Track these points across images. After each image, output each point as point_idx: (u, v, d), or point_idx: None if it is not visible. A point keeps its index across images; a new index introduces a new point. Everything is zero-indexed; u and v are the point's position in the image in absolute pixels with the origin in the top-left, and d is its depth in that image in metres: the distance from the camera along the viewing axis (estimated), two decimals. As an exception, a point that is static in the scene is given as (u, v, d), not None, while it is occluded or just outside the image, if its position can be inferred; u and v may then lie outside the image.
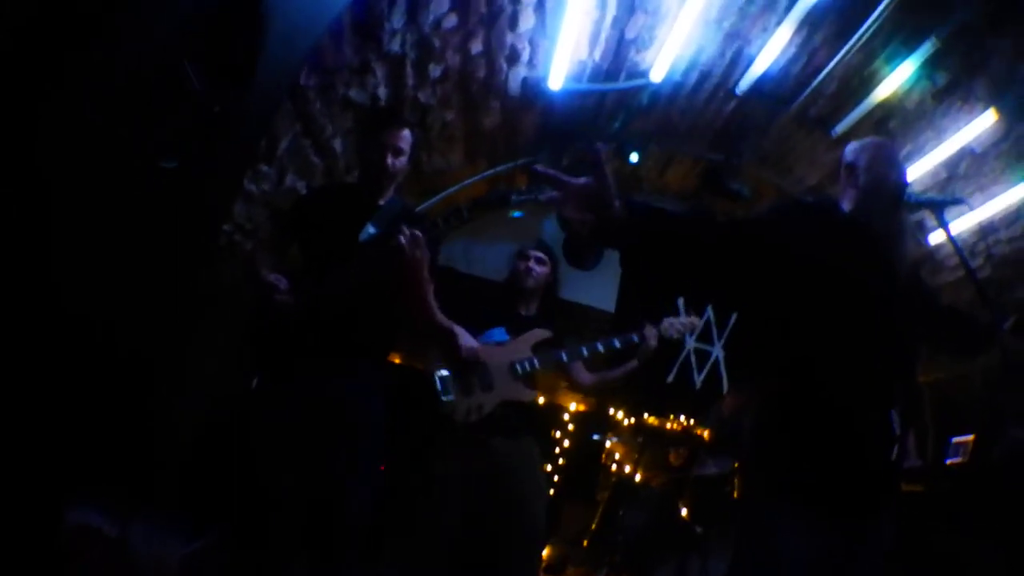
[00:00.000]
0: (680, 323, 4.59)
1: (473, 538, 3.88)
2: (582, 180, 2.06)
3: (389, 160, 3.38)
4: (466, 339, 3.81)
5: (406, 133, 3.42)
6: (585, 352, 4.20)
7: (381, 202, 3.46)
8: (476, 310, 4.15)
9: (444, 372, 3.91)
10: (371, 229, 3.38)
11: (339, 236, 3.36)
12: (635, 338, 4.36)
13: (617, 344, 4.30)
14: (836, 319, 2.46)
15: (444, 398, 3.85)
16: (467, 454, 3.91)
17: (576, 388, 4.55)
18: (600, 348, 4.24)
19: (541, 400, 4.29)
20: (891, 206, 2.70)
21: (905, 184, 2.74)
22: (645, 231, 2.17)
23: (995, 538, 4.96)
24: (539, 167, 2.09)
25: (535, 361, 4.09)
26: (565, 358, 4.18)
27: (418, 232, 3.08)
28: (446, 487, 3.88)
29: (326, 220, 3.42)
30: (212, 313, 4.44)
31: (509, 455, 3.99)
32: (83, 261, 2.68)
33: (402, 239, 3.04)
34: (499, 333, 4.17)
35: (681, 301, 7.04)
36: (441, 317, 3.66)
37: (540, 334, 4.20)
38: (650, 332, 4.42)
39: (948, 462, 6.67)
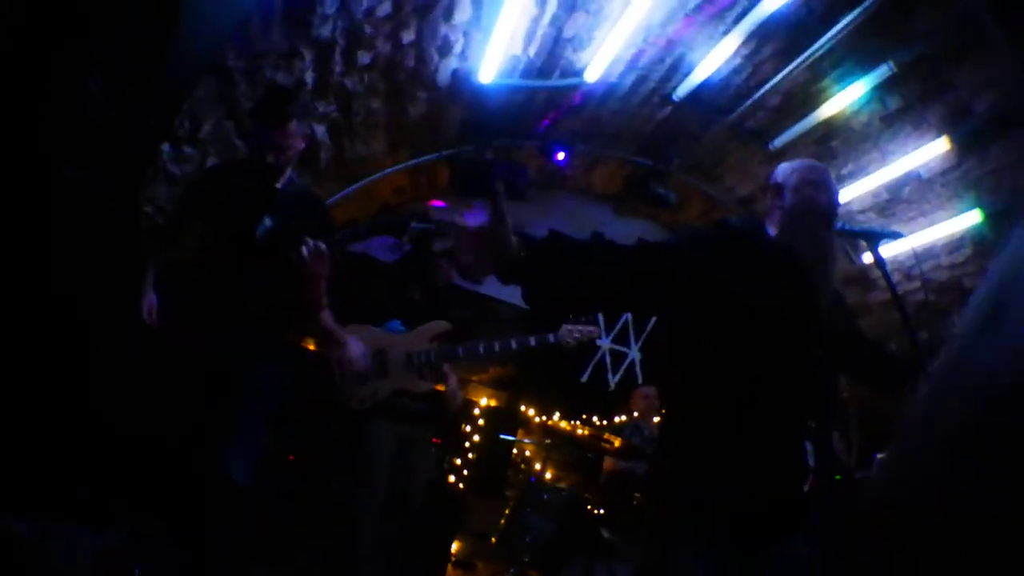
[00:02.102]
0: (579, 331, 4.58)
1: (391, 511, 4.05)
2: (478, 221, 1.96)
3: (271, 159, 3.29)
4: (354, 348, 3.89)
5: (292, 128, 3.30)
6: (482, 350, 4.22)
7: (278, 185, 3.38)
8: (371, 299, 4.24)
9: None
10: (268, 222, 3.31)
11: (236, 221, 3.32)
12: (531, 342, 4.38)
13: (513, 345, 4.30)
14: (751, 344, 2.36)
15: (339, 383, 3.97)
16: (384, 436, 4.05)
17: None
18: (496, 348, 4.25)
19: (438, 389, 4.30)
20: (818, 230, 2.57)
21: (835, 208, 2.63)
22: (547, 270, 2.13)
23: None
24: (439, 213, 2.02)
25: (431, 354, 4.16)
26: (461, 353, 4.20)
27: (322, 245, 3.08)
28: (373, 465, 4.01)
29: (223, 204, 3.35)
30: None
31: (410, 440, 4.14)
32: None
33: (305, 251, 3.05)
34: (396, 325, 4.21)
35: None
36: (332, 326, 3.74)
37: (440, 326, 4.24)
38: (548, 337, 4.47)
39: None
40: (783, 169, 2.70)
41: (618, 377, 8.16)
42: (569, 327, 4.51)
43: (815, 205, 2.58)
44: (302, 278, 3.13)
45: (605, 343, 8.15)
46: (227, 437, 3.16)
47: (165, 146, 4.18)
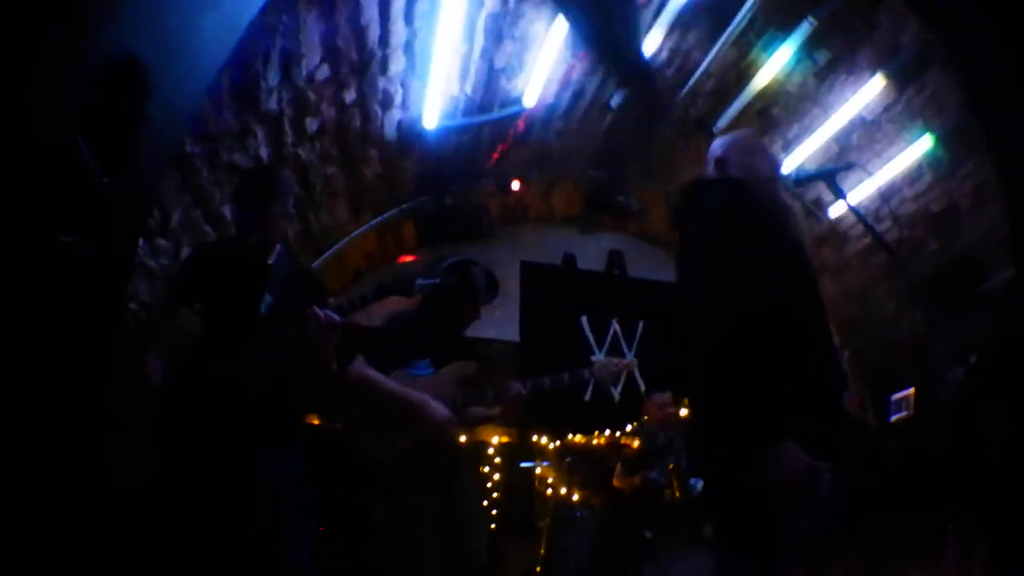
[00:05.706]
0: (615, 364, 4.39)
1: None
2: None
3: (256, 240, 3.34)
4: (440, 410, 3.68)
5: (275, 209, 3.36)
6: (523, 389, 3.87)
7: (270, 261, 3.35)
8: (399, 344, 3.92)
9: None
10: (269, 298, 3.23)
11: (234, 301, 3.26)
12: (564, 378, 4.04)
13: (546, 384, 3.97)
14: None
15: (360, 444, 3.74)
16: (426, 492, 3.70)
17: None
18: (529, 386, 3.90)
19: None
20: (768, 190, 2.85)
21: (776, 168, 2.97)
22: None
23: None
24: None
25: (457, 399, 3.81)
26: (492, 396, 3.88)
27: (333, 315, 3.07)
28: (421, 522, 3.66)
29: (218, 286, 3.32)
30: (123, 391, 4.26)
31: (460, 491, 3.82)
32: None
33: (317, 322, 3.03)
34: (425, 366, 3.88)
35: (585, 319, 7.15)
36: (408, 393, 3.66)
37: (468, 368, 3.94)
38: (583, 373, 4.25)
39: (893, 419, 6.79)
40: (720, 144, 2.96)
41: (620, 388, 8.21)
42: (604, 361, 4.25)
43: (759, 170, 2.85)
44: (311, 349, 3.12)
45: (599, 358, 8.21)
46: (283, 539, 3.11)
47: (139, 241, 4.22)
